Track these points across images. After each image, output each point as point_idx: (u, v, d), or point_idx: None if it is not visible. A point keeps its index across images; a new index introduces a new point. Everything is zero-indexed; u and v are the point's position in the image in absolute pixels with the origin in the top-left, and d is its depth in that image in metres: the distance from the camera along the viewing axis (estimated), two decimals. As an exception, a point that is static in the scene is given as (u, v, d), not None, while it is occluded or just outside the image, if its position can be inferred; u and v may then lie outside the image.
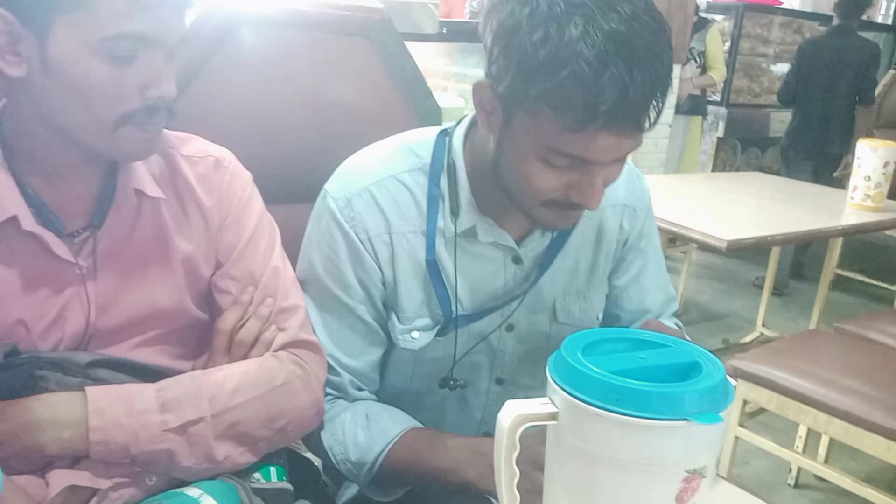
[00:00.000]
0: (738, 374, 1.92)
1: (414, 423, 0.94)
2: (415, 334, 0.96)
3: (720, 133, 5.13)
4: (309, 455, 1.01)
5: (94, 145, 0.75)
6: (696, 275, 4.34)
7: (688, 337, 0.89)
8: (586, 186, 0.81)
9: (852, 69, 3.93)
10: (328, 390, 0.94)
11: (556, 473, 0.62)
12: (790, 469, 2.40)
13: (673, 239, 3.36)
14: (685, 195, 2.79)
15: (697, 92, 4.38)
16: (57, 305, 0.78)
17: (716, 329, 3.61)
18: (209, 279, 0.88)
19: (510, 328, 1.00)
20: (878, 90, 3.84)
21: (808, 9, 6.04)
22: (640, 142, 0.80)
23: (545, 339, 1.02)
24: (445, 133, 0.96)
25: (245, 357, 0.85)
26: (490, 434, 1.03)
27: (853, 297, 4.20)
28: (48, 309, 0.78)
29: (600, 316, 1.07)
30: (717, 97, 5.12)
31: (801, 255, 4.41)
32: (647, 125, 0.78)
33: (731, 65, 5.11)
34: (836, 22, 4.06)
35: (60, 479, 0.73)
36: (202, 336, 0.89)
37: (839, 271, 4.16)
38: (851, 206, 2.63)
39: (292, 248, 0.97)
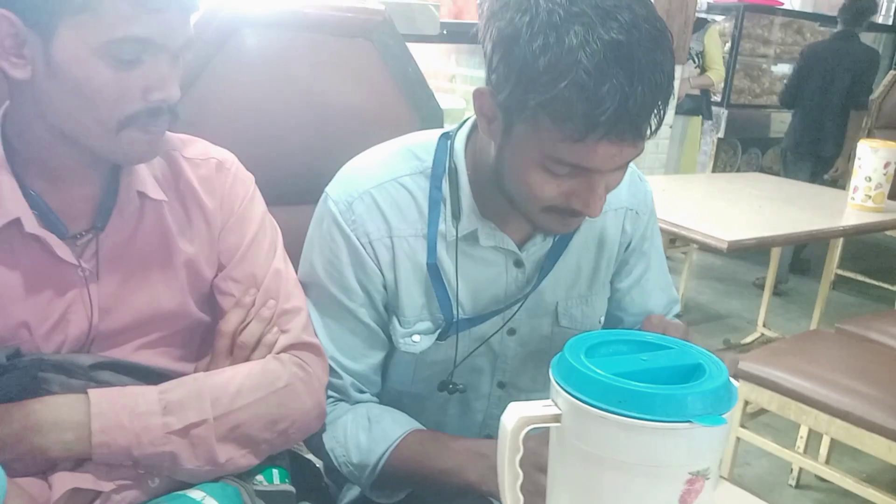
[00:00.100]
0: (739, 375, 1.92)
1: (416, 424, 0.94)
2: (416, 338, 0.96)
3: (721, 133, 5.13)
4: (311, 457, 1.01)
5: (97, 147, 0.75)
6: (697, 275, 4.34)
7: (691, 334, 0.89)
8: (587, 194, 0.80)
9: (849, 74, 3.99)
10: (330, 393, 0.94)
11: (558, 475, 0.63)
12: (791, 469, 2.40)
13: (673, 240, 3.36)
14: (686, 196, 2.78)
15: (696, 92, 4.37)
16: (60, 308, 0.78)
17: (716, 330, 3.61)
18: (211, 281, 0.88)
19: (512, 332, 1.00)
20: (878, 91, 3.85)
21: (809, 9, 6.04)
22: (643, 149, 0.79)
23: (547, 342, 1.02)
24: (447, 136, 0.96)
25: (247, 359, 0.85)
26: (491, 436, 1.03)
27: (854, 297, 4.20)
28: (51, 311, 0.78)
29: (602, 319, 1.07)
30: (717, 98, 5.11)
31: (801, 251, 4.44)
32: (648, 133, 0.77)
33: (731, 65, 5.11)
34: (839, 27, 4.10)
35: (63, 481, 0.73)
36: (204, 338, 0.89)
37: (840, 272, 4.16)
38: (852, 206, 2.63)
39: (294, 249, 0.97)
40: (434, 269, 0.93)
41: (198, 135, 0.91)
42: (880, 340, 2.13)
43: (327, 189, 0.96)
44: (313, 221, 0.97)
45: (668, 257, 1.12)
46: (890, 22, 6.57)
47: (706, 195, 2.88)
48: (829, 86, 4.03)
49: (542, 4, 0.74)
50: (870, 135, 3.69)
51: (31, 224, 0.75)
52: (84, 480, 0.74)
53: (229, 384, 0.80)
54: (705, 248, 2.25)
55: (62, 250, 0.77)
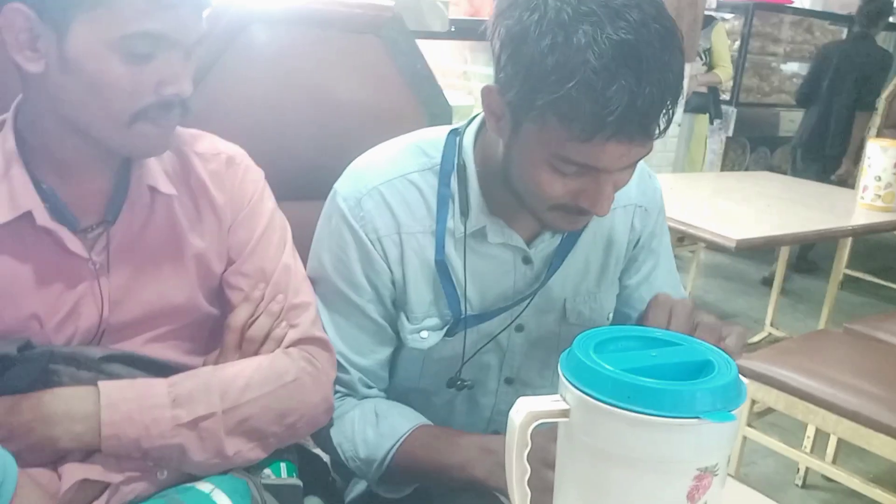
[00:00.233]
0: (747, 374, 1.91)
1: (423, 420, 0.94)
2: (424, 334, 0.96)
3: (730, 132, 5.11)
4: (318, 451, 1.02)
5: (109, 141, 0.76)
6: (705, 274, 4.33)
7: (698, 310, 0.89)
8: (595, 193, 0.80)
9: (859, 75, 3.99)
10: (337, 388, 0.94)
11: (566, 471, 0.63)
12: (798, 469, 2.39)
13: (681, 238, 3.36)
14: (694, 194, 2.78)
15: (703, 89, 4.36)
16: (70, 300, 0.78)
17: (724, 329, 3.59)
18: (221, 276, 0.88)
19: (519, 328, 1.00)
20: (888, 90, 3.84)
21: (819, 8, 6.01)
22: (651, 148, 0.79)
23: (555, 338, 1.02)
24: (456, 132, 0.96)
25: (256, 353, 0.85)
26: (498, 432, 1.03)
27: (862, 297, 4.18)
28: (62, 304, 0.78)
29: (611, 316, 1.07)
30: (727, 96, 5.09)
31: (807, 251, 4.43)
32: (657, 132, 0.77)
33: (740, 64, 5.09)
34: (856, 28, 4.11)
35: (73, 472, 0.73)
36: (213, 332, 0.89)
37: (848, 272, 4.14)
38: (861, 206, 2.62)
39: (302, 245, 0.97)
40: (442, 266, 0.93)
41: (207, 130, 0.91)
42: (889, 341, 2.12)
43: (336, 185, 0.96)
44: (322, 218, 0.98)
45: (675, 256, 1.12)
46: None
47: (714, 194, 2.88)
48: (839, 86, 4.06)
49: (550, 3, 0.74)
50: (879, 134, 3.67)
51: (43, 217, 0.76)
52: (93, 472, 0.74)
53: (238, 378, 0.80)
54: (713, 246, 2.25)
55: (73, 243, 0.78)
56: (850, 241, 3.44)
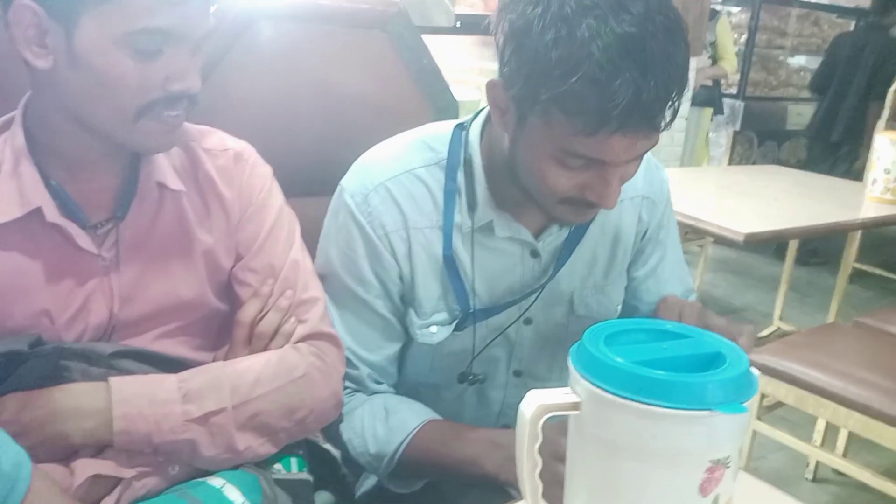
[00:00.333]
0: (756, 368, 1.90)
1: (433, 415, 0.94)
2: (433, 329, 0.96)
3: (736, 126, 5.09)
4: (328, 447, 1.02)
5: (116, 136, 0.76)
6: (713, 269, 4.31)
7: (707, 313, 0.89)
8: (602, 186, 0.80)
9: (871, 65, 3.98)
10: (347, 384, 0.95)
11: (577, 464, 0.62)
12: (808, 463, 2.39)
13: (689, 232, 3.35)
14: (701, 189, 2.77)
15: (709, 83, 4.35)
16: (80, 296, 0.79)
17: (732, 323, 3.58)
18: (229, 271, 0.88)
19: (528, 321, 1.00)
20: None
21: (826, 1, 5.97)
22: (657, 140, 0.79)
23: (563, 331, 1.02)
24: (462, 127, 0.96)
25: (265, 349, 0.85)
26: (509, 426, 1.03)
27: (871, 290, 4.16)
28: (72, 300, 0.78)
29: (619, 308, 1.07)
30: (734, 90, 5.07)
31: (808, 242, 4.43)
32: (662, 125, 0.77)
33: (747, 57, 5.06)
34: (870, 18, 4.12)
35: (85, 467, 0.74)
36: (223, 327, 0.89)
37: (857, 265, 4.12)
38: (870, 199, 2.60)
39: (308, 241, 0.97)
40: (450, 261, 0.93)
41: (214, 125, 0.91)
42: (899, 334, 2.11)
43: (342, 182, 0.96)
44: (329, 214, 0.98)
45: (683, 250, 1.12)
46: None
47: (722, 188, 2.86)
48: (851, 76, 4.07)
49: None
50: (888, 127, 3.65)
51: (53, 213, 0.76)
52: (105, 467, 0.75)
53: (248, 373, 0.81)
54: (721, 241, 2.24)
55: (83, 240, 0.78)
56: (859, 234, 3.43)
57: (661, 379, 0.55)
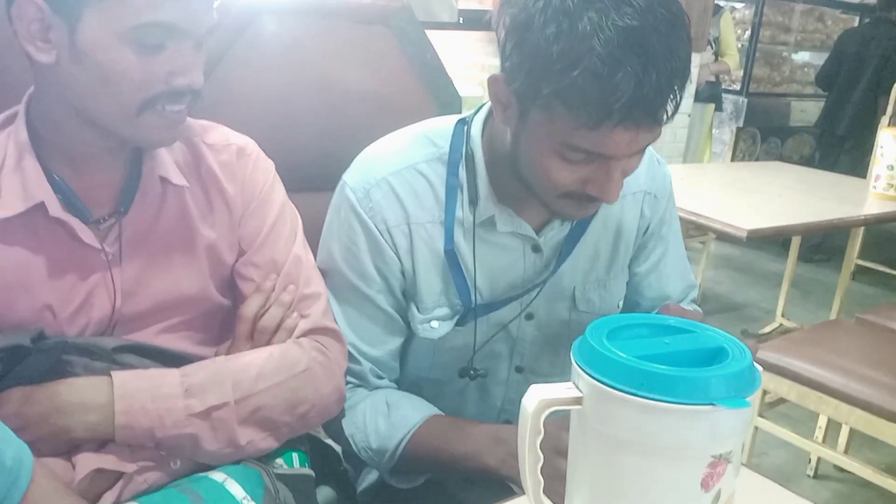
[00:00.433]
0: (758, 364, 1.90)
1: (434, 410, 0.94)
2: (434, 324, 0.96)
3: (740, 122, 5.08)
4: (330, 442, 1.02)
5: (119, 131, 0.76)
6: (715, 265, 4.31)
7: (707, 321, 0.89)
8: (604, 180, 0.80)
9: (878, 60, 3.97)
10: (349, 378, 0.95)
11: (579, 459, 0.62)
12: (809, 459, 2.39)
13: (691, 229, 3.35)
14: (704, 185, 2.76)
15: (713, 79, 4.35)
16: (83, 291, 0.79)
17: (735, 320, 3.58)
18: (232, 266, 0.88)
19: (530, 317, 1.00)
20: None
21: (831, -4, 5.96)
22: (659, 134, 0.78)
23: (565, 326, 1.02)
24: (464, 122, 0.96)
25: (267, 343, 0.85)
26: (510, 422, 1.03)
27: (874, 287, 4.16)
28: (74, 294, 0.78)
29: (621, 304, 1.07)
30: (737, 86, 5.06)
31: (819, 240, 4.42)
32: (664, 118, 0.77)
33: (751, 53, 5.05)
34: (877, 13, 4.12)
35: (87, 462, 0.74)
36: (225, 322, 0.90)
37: (860, 262, 4.12)
38: (874, 195, 2.60)
39: (311, 236, 0.97)
40: (452, 256, 0.93)
41: (217, 121, 0.91)
42: (901, 331, 2.11)
43: (344, 176, 0.96)
44: (331, 209, 0.98)
45: (686, 247, 1.11)
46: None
47: (725, 184, 2.86)
48: (857, 71, 4.08)
49: None
50: (892, 123, 3.65)
51: (56, 208, 0.76)
52: (107, 461, 0.75)
53: (250, 368, 0.81)
54: (724, 237, 2.23)
55: (86, 234, 0.78)
56: (861, 230, 3.42)
57: (664, 373, 0.55)
